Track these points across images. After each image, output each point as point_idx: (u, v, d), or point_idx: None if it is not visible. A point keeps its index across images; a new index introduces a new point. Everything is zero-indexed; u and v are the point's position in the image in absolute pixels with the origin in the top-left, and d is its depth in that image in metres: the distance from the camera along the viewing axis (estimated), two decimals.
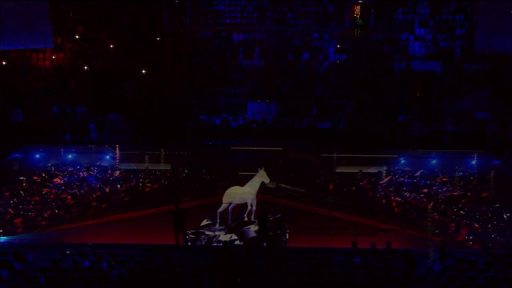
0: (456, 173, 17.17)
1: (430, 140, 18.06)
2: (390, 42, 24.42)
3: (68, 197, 16.05)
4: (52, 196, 16.02)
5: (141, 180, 17.07)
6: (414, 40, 24.23)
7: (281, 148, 18.09)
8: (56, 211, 15.39)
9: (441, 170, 17.31)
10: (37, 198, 15.96)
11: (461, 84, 21.65)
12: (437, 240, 13.90)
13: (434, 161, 17.69)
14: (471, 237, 14.02)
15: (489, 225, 14.49)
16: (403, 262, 11.04)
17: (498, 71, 21.40)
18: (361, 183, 16.72)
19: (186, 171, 17.60)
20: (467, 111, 19.60)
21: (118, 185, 16.63)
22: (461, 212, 15.07)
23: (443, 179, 16.78)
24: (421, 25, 24.61)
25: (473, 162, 17.41)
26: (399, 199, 15.83)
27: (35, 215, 15.22)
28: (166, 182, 16.98)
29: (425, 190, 16.19)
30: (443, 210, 15.25)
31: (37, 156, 17.80)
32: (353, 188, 16.33)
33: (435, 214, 15.08)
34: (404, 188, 16.37)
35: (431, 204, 15.42)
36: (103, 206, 15.62)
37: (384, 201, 15.84)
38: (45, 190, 16.22)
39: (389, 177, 17.00)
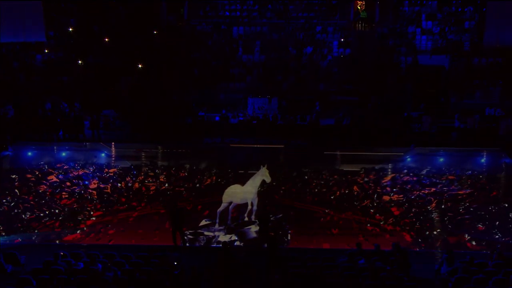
0: (464, 171, 17.10)
1: (438, 137, 18.00)
2: (396, 36, 24.34)
3: (64, 195, 16.04)
4: (48, 195, 16.02)
5: (140, 178, 17.05)
6: (421, 33, 24.16)
7: (282, 146, 18.04)
8: (51, 210, 15.38)
9: (448, 168, 17.27)
10: (31, 197, 15.95)
11: (471, 79, 21.57)
12: (439, 241, 13.88)
13: (441, 159, 17.63)
14: (471, 237, 13.98)
15: (497, 224, 14.44)
16: (400, 258, 11.01)
17: (510, 65, 21.31)
18: (361, 181, 16.66)
19: (184, 169, 17.57)
20: (477, 107, 19.52)
21: (118, 184, 16.60)
22: (463, 211, 15.02)
23: (450, 177, 16.74)
24: (429, 17, 24.53)
25: (483, 160, 17.34)
26: (402, 197, 15.77)
27: (28, 214, 15.22)
28: (163, 181, 16.96)
29: (430, 189, 16.13)
30: (447, 209, 15.20)
31: (29, 153, 17.77)
32: (355, 188, 16.28)
33: (436, 213, 15.03)
34: (408, 187, 16.33)
35: (434, 204, 15.37)
36: (100, 205, 15.61)
37: (386, 198, 15.80)
38: (41, 189, 16.21)
39: (392, 175, 16.95)
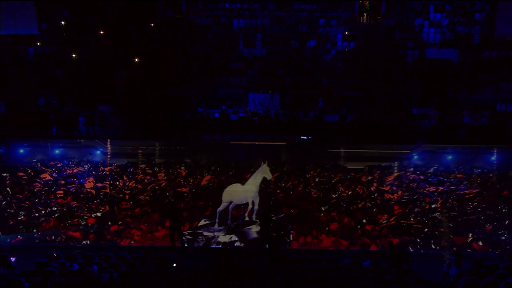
0: (474, 169, 17.05)
1: (446, 134, 17.94)
2: (402, 28, 24.25)
3: (60, 194, 16.02)
4: (43, 194, 15.99)
5: (138, 176, 17.01)
6: (429, 25, 24.07)
7: (284, 143, 18.00)
8: (46, 210, 15.36)
9: (457, 167, 17.21)
10: (23, 196, 15.93)
11: (481, 73, 21.48)
12: (445, 241, 13.86)
13: (449, 157, 17.57)
14: (479, 237, 13.96)
15: (506, 224, 14.40)
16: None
17: None
18: (365, 180, 16.60)
19: (182, 167, 17.54)
20: (487, 102, 19.44)
21: (116, 182, 16.57)
22: (470, 210, 15.00)
23: (458, 176, 16.68)
24: (437, 9, 24.42)
25: (493, 158, 17.28)
26: (407, 196, 15.73)
27: (22, 214, 15.20)
28: (161, 179, 16.93)
29: (437, 188, 16.08)
30: (454, 208, 15.17)
31: (21, 151, 17.73)
32: (358, 186, 16.23)
33: (442, 213, 14.99)
34: (414, 185, 16.29)
35: (439, 203, 15.34)
36: (95, 203, 15.61)
37: (390, 197, 15.76)
38: (36, 189, 16.19)
39: (398, 173, 16.90)
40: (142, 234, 14.34)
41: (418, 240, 13.93)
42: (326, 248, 13.82)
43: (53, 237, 14.13)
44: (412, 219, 14.67)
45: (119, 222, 14.61)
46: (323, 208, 15.21)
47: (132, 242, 14.14)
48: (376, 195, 15.83)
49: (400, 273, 10.57)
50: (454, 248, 12.63)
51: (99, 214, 15.12)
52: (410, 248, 13.15)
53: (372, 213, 15.01)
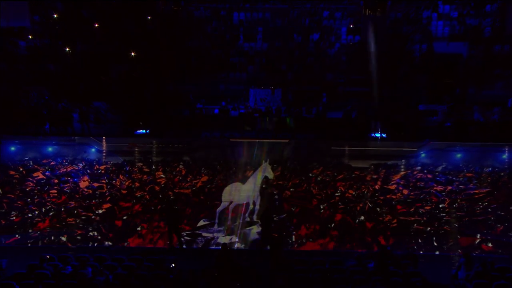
0: (484, 168, 17.00)
1: (455, 131, 17.89)
2: (410, 21, 24.18)
3: (53, 194, 16.02)
4: (36, 193, 16.00)
5: (136, 175, 17.00)
6: (438, 18, 23.98)
7: (287, 140, 17.97)
8: (38, 209, 15.37)
9: (467, 165, 17.16)
10: (15, 196, 15.93)
11: (491, 68, 21.41)
12: (452, 243, 13.86)
13: (459, 155, 17.52)
14: (488, 238, 13.95)
15: None
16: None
17: None
18: (370, 178, 16.58)
19: (181, 165, 17.53)
20: (498, 98, 19.37)
21: (112, 181, 16.57)
22: (479, 211, 14.97)
23: (467, 175, 16.64)
24: (446, 0, 24.32)
25: (504, 156, 17.22)
26: (413, 196, 15.70)
27: (13, 214, 15.22)
28: (158, 178, 16.92)
29: (445, 187, 16.05)
30: (462, 208, 15.14)
31: (13, 148, 17.73)
32: (363, 186, 16.21)
33: (450, 213, 14.98)
34: (421, 184, 16.25)
35: (447, 203, 15.31)
36: (92, 203, 15.62)
37: (395, 197, 15.74)
38: (28, 188, 16.18)
39: (404, 172, 16.87)
40: (148, 229, 14.40)
41: (420, 241, 13.90)
42: (329, 249, 13.83)
43: (52, 238, 14.13)
44: (417, 219, 14.63)
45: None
46: (321, 207, 15.23)
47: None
48: (378, 194, 15.80)
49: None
50: (459, 250, 12.61)
51: (100, 211, 15.15)
52: (409, 250, 13.14)
53: (374, 213, 14.99)
